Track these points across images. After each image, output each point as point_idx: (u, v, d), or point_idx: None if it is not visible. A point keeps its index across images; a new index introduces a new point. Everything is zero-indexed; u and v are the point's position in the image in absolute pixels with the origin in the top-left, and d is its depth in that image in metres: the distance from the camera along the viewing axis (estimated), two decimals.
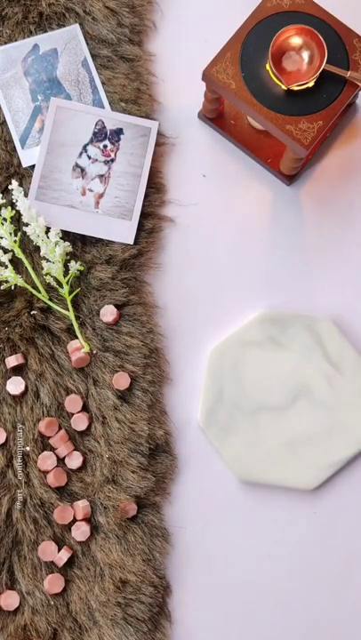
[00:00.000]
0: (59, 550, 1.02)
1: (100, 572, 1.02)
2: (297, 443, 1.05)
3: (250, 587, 1.04)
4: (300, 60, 0.99)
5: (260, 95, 1.00)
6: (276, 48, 0.98)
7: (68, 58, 1.13)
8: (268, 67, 0.99)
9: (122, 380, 1.05)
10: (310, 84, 0.99)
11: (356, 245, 1.11)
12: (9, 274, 1.05)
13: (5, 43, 1.13)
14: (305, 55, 0.99)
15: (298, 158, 1.05)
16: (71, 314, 1.06)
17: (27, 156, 1.10)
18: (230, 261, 1.10)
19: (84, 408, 1.06)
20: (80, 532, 1.02)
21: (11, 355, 1.06)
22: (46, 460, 1.03)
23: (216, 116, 1.12)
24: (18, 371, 1.06)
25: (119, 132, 1.10)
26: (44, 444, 1.05)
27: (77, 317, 1.07)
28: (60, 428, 1.05)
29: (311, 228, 1.11)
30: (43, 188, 1.08)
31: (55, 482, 1.03)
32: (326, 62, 0.99)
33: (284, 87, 0.99)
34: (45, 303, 1.07)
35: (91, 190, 1.09)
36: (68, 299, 1.06)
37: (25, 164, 1.10)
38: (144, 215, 1.10)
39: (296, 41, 0.99)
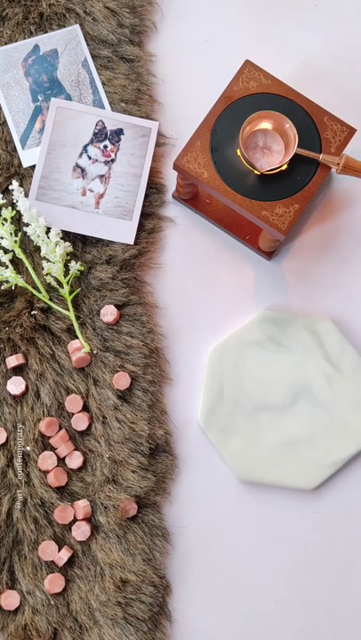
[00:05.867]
0: (59, 550, 1.02)
1: (101, 571, 1.02)
2: (297, 442, 1.05)
3: (250, 586, 1.04)
4: (272, 144, 0.97)
5: (234, 182, 0.98)
6: (246, 134, 0.97)
7: (68, 58, 1.13)
8: (239, 153, 0.98)
9: (122, 380, 1.05)
10: (283, 168, 0.97)
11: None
12: (9, 274, 1.05)
13: (6, 43, 1.13)
14: (276, 139, 0.97)
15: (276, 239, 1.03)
16: (71, 314, 1.06)
17: (27, 157, 1.10)
18: (229, 262, 1.11)
19: (85, 408, 1.06)
20: (80, 531, 1.02)
21: (11, 355, 1.06)
22: (46, 460, 1.03)
23: (191, 197, 1.10)
24: (18, 371, 1.06)
25: (119, 132, 1.10)
26: (44, 443, 1.05)
27: (78, 317, 1.07)
28: (60, 428, 1.05)
29: None
30: (43, 189, 1.09)
31: (55, 481, 1.03)
32: (298, 144, 0.97)
33: (257, 172, 0.97)
34: (46, 303, 1.07)
35: (91, 190, 1.09)
36: (69, 299, 1.06)
37: (25, 165, 1.10)
38: (144, 215, 1.10)
39: (266, 126, 0.97)
